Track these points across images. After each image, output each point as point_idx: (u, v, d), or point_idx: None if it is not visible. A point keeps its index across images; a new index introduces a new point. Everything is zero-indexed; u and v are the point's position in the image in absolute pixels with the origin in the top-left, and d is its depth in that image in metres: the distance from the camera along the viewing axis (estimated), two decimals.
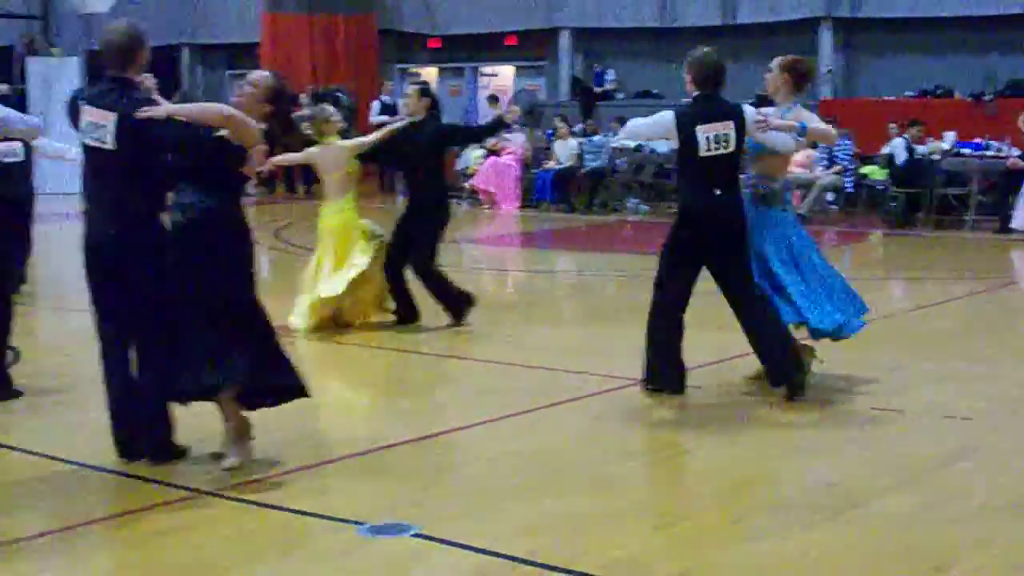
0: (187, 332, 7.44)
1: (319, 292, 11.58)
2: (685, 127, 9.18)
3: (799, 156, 22.11)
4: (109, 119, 7.44)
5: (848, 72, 27.07)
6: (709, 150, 9.09)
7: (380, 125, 27.88)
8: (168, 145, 7.51)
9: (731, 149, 9.17)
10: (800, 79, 9.95)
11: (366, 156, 12.19)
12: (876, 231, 20.95)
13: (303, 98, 26.82)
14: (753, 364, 9.58)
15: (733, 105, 9.42)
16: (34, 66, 28.73)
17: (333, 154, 11.82)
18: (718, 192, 9.20)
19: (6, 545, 6.32)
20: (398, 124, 12.23)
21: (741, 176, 9.52)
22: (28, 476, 7.60)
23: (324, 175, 11.95)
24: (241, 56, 34.87)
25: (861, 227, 21.48)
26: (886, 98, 25.37)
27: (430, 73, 32.51)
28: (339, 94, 30.39)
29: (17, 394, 9.28)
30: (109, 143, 7.42)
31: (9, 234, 11.14)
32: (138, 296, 7.44)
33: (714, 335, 10.63)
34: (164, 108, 7.54)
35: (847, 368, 10.36)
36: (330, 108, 12.27)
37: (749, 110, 9.42)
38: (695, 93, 9.30)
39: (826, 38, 26.78)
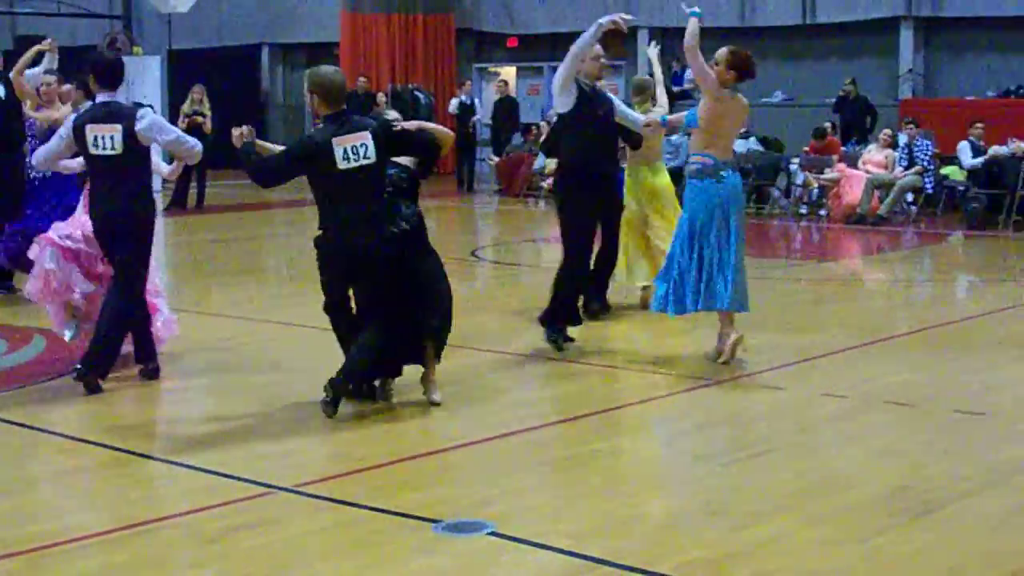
0: (401, 314, 8.89)
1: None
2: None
3: (878, 156, 22.02)
4: None
5: (929, 71, 26.84)
6: None
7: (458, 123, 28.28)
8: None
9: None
10: (743, 69, 10.28)
11: None
12: (956, 232, 20.76)
13: (381, 96, 26.94)
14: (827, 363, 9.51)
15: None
16: None
17: None
18: None
19: (80, 541, 6.39)
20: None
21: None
22: (100, 470, 7.68)
23: None
24: (321, 55, 35.05)
25: (941, 228, 21.29)
26: (967, 98, 25.14)
27: (508, 72, 32.55)
28: (418, 93, 30.53)
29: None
30: None
31: None
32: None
33: (794, 337, 10.61)
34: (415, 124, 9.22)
35: (928, 371, 10.30)
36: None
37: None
38: None
39: (906, 37, 26.57)
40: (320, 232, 8.93)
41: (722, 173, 10.20)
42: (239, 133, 8.84)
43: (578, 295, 11.42)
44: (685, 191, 10.41)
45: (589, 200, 11.13)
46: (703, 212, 10.17)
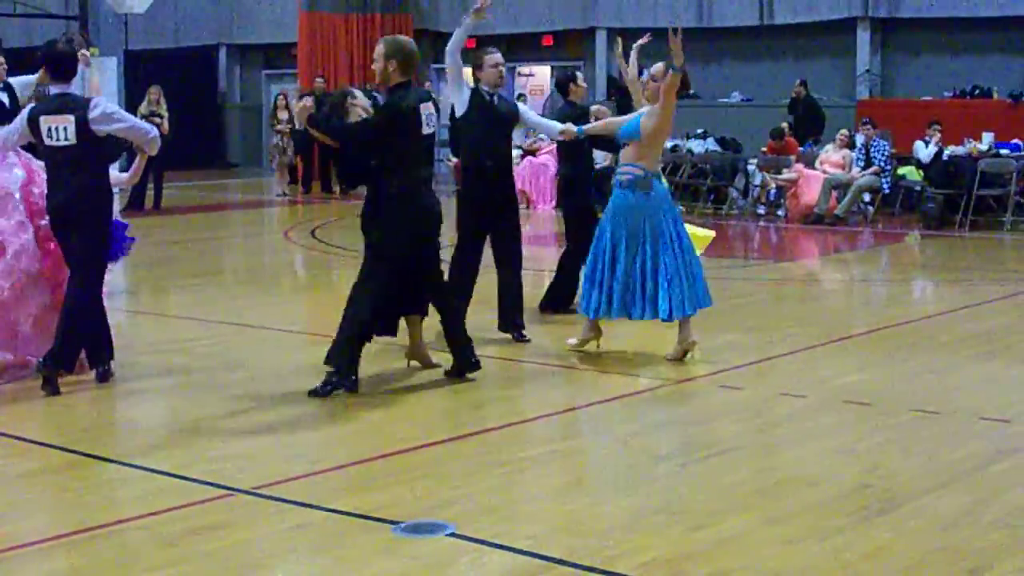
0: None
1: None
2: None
3: (835, 156, 22.12)
4: None
5: (885, 72, 26.97)
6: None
7: None
8: None
9: None
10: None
11: None
12: (913, 232, 20.86)
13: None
14: (781, 365, 9.54)
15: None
16: None
17: None
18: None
19: (39, 544, 6.35)
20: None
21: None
22: (57, 473, 7.64)
23: None
24: (278, 55, 35.00)
25: (898, 228, 21.39)
26: (924, 99, 25.27)
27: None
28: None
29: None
30: None
31: None
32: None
33: (752, 337, 10.64)
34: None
35: (886, 370, 10.36)
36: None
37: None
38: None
39: (863, 38, 26.69)
40: (388, 197, 9.39)
41: (653, 183, 10.29)
42: (302, 106, 9.24)
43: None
44: (612, 199, 10.53)
45: (480, 201, 11.35)
46: (628, 223, 10.31)
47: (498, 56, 11.46)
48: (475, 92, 11.38)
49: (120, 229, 10.77)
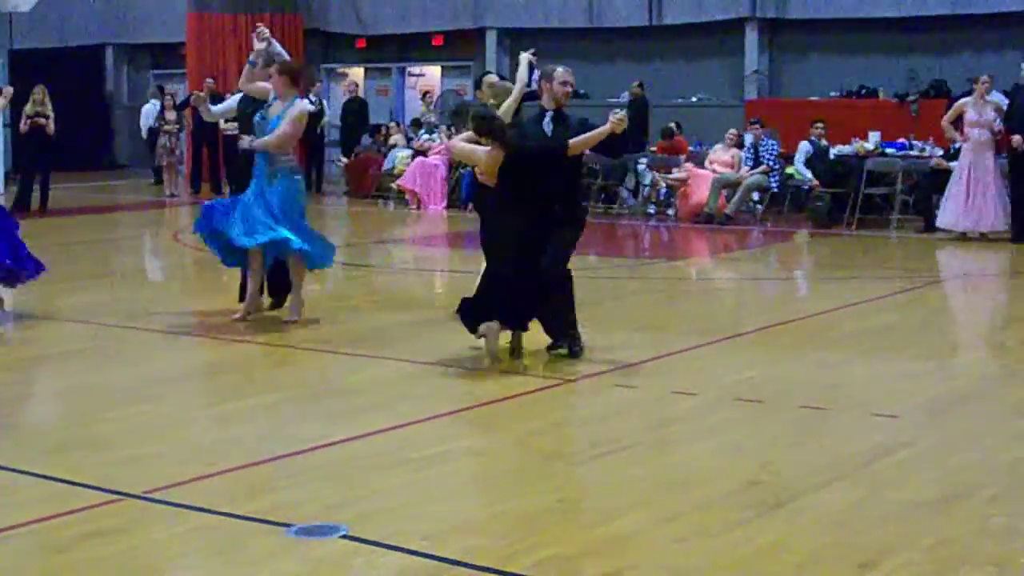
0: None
1: None
2: None
3: (725, 156, 22.29)
4: None
5: (774, 73, 27.21)
6: None
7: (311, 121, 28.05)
8: None
9: None
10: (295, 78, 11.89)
11: None
12: (802, 231, 21.08)
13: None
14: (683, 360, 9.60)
15: None
16: None
17: None
18: None
19: None
20: None
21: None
22: None
23: None
24: (166, 56, 34.68)
25: (787, 227, 21.60)
26: (811, 98, 25.52)
27: (357, 73, 32.44)
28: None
29: None
30: None
31: None
32: None
33: (644, 335, 10.69)
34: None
35: (776, 367, 10.46)
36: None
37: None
38: None
39: (751, 38, 26.90)
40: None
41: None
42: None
43: None
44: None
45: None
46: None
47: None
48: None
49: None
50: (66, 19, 35.32)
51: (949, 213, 19.28)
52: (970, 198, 19.05)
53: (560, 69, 10.73)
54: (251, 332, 11.61)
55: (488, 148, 10.18)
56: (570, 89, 10.78)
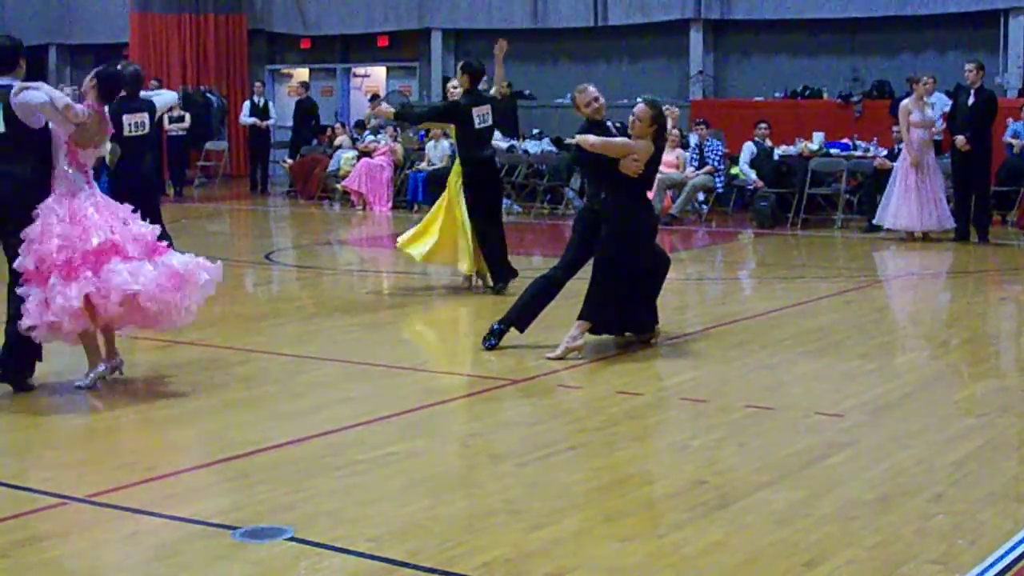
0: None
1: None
2: None
3: (670, 156, 22.35)
4: None
5: (718, 73, 27.31)
6: None
7: (252, 126, 28.00)
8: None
9: None
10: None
11: None
12: (747, 231, 21.16)
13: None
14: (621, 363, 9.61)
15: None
16: None
17: None
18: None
19: None
20: None
21: None
22: None
23: None
24: (110, 56, 34.44)
25: (732, 227, 21.68)
26: (756, 99, 25.64)
27: (302, 73, 32.34)
28: (210, 95, 30.19)
29: None
30: None
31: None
32: None
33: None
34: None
35: (721, 367, 10.48)
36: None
37: None
38: None
39: (696, 39, 26.99)
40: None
41: None
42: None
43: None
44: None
45: None
46: None
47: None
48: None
49: None
50: (8, 19, 35.06)
51: (891, 213, 19.33)
52: (913, 198, 19.11)
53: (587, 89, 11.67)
54: (193, 335, 11.54)
55: (641, 142, 10.83)
56: (597, 105, 11.49)
